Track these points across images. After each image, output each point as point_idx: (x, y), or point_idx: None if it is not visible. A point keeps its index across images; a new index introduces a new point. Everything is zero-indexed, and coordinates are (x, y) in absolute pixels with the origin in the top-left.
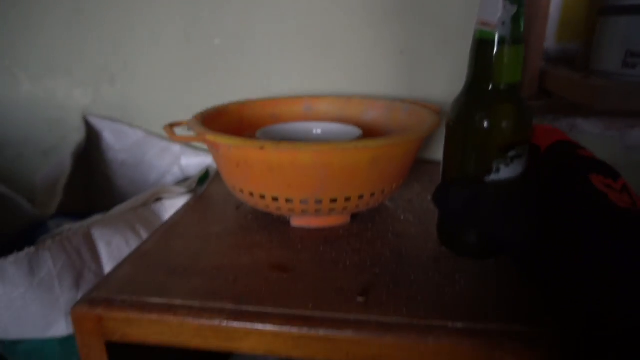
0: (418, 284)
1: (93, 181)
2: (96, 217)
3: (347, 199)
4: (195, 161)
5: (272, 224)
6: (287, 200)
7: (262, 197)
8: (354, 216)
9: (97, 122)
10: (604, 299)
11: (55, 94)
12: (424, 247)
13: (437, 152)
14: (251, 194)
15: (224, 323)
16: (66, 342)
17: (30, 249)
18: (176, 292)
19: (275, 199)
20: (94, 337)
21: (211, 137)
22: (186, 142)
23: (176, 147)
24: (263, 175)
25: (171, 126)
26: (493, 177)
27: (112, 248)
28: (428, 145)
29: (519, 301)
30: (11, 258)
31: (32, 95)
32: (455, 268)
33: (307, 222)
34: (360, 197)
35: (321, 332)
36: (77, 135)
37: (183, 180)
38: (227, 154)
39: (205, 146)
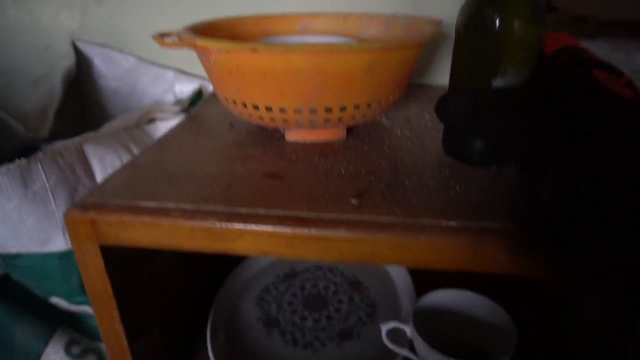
0: (412, 189)
1: (86, 110)
2: (88, 135)
3: (343, 109)
4: (189, 88)
5: (267, 139)
6: (281, 110)
7: (256, 107)
8: (349, 131)
9: (87, 49)
10: (600, 181)
11: (42, 17)
12: (420, 158)
13: (436, 77)
14: (244, 105)
15: (217, 225)
16: (66, 257)
17: (22, 161)
18: (169, 197)
19: (268, 109)
20: (88, 242)
21: (202, 42)
22: (180, 69)
23: (170, 74)
24: (256, 83)
25: (161, 36)
26: (500, 81)
27: (106, 165)
28: (427, 70)
29: (515, 204)
30: (3, 169)
31: (17, 20)
32: (450, 175)
33: (302, 136)
34: (357, 107)
35: (314, 232)
36: (67, 62)
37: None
38: (218, 61)
39: (199, 72)
